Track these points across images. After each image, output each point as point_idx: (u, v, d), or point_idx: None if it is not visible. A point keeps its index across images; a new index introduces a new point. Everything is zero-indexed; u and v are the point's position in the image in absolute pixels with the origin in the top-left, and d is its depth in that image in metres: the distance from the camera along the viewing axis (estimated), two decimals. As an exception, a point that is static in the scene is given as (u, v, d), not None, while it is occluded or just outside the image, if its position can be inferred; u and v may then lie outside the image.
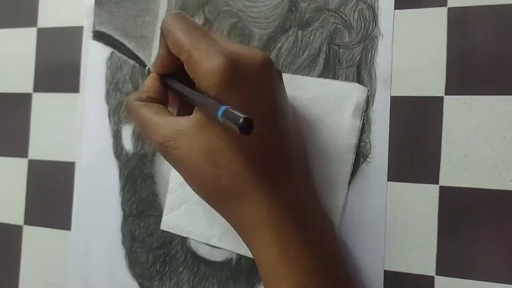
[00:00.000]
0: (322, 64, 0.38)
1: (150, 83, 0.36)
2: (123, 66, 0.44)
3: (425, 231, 0.34)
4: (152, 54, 0.43)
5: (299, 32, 0.38)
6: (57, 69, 0.46)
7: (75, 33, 0.46)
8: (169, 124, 0.32)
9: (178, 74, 0.35)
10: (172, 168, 0.41)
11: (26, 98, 0.48)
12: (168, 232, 0.41)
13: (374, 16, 0.36)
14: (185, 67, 0.32)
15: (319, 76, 0.38)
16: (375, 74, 0.36)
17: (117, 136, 0.44)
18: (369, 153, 0.36)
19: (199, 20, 0.41)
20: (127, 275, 0.42)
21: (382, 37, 0.36)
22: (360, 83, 0.36)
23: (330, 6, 0.38)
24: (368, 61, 0.36)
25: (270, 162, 0.32)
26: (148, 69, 0.38)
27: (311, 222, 0.33)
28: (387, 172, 0.35)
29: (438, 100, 0.35)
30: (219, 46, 0.31)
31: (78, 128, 0.45)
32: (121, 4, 0.44)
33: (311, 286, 0.30)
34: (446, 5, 0.35)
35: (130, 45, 0.44)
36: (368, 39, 0.36)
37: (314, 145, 0.37)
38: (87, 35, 0.45)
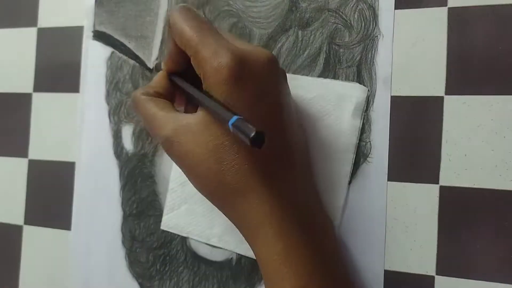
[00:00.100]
0: (322, 64, 0.38)
1: (158, 80, 0.36)
2: (123, 66, 0.44)
3: (425, 231, 0.34)
4: (152, 54, 0.43)
5: (299, 32, 0.38)
6: (57, 69, 0.46)
7: (75, 33, 0.46)
8: (175, 119, 0.32)
9: (187, 71, 0.35)
10: (173, 168, 0.41)
11: (26, 98, 0.48)
12: (168, 232, 0.41)
13: (375, 16, 0.36)
14: (191, 62, 0.32)
15: (319, 76, 0.38)
16: (375, 74, 0.36)
17: (117, 136, 0.44)
18: (369, 153, 0.36)
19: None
20: (127, 275, 0.42)
21: (382, 37, 0.36)
22: (360, 83, 0.36)
23: (330, 6, 0.38)
24: (368, 61, 0.36)
25: (274, 160, 0.32)
26: (156, 65, 0.38)
27: (312, 222, 0.33)
28: (387, 172, 0.35)
29: (438, 100, 0.35)
30: (227, 43, 0.31)
31: (78, 128, 0.45)
32: (121, 4, 0.44)
33: (312, 286, 0.30)
34: (446, 5, 0.35)
35: (130, 45, 0.44)
36: (368, 39, 0.36)
37: (314, 144, 0.37)
38: (87, 35, 0.45)
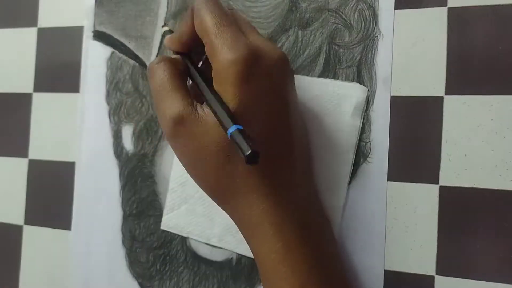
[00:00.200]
0: (322, 64, 0.38)
1: (174, 46, 0.35)
2: (123, 66, 0.44)
3: (425, 231, 0.34)
4: (152, 54, 0.43)
5: (299, 32, 0.38)
6: (57, 69, 0.46)
7: (75, 33, 0.46)
8: (185, 104, 0.31)
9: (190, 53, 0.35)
10: (173, 168, 0.41)
11: (26, 98, 0.48)
12: (168, 232, 0.41)
13: (374, 16, 0.36)
14: (206, 50, 0.32)
15: (319, 76, 0.38)
16: (375, 74, 0.36)
17: (117, 136, 0.44)
18: (369, 153, 0.36)
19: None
20: (127, 275, 0.42)
21: (382, 37, 0.36)
22: (360, 83, 0.36)
23: (330, 6, 0.38)
24: (368, 61, 0.36)
25: (276, 159, 0.32)
26: (165, 32, 0.38)
27: (311, 222, 0.33)
28: (387, 172, 0.35)
29: (438, 100, 0.35)
30: (242, 38, 0.31)
31: (78, 128, 0.45)
32: (121, 4, 0.44)
33: (309, 286, 0.30)
34: (446, 5, 0.35)
35: (130, 45, 0.44)
36: (368, 39, 0.36)
37: (314, 144, 0.37)
38: (87, 35, 0.45)
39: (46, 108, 0.47)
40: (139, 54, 0.44)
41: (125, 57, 0.44)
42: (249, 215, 0.31)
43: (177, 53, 0.35)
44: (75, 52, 0.46)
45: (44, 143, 0.47)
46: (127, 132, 0.43)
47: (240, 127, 0.28)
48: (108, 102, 0.44)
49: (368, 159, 0.36)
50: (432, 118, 0.35)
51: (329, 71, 0.37)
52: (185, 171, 0.40)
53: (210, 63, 0.32)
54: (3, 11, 0.49)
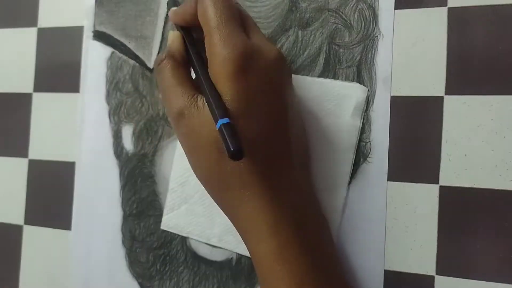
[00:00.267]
0: (322, 64, 0.38)
1: (176, 43, 0.35)
2: (123, 66, 0.44)
3: (425, 231, 0.34)
4: (152, 54, 0.43)
5: (299, 32, 0.38)
6: (57, 69, 0.46)
7: (75, 33, 0.46)
8: (188, 95, 0.32)
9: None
10: (173, 168, 0.41)
11: (26, 98, 0.48)
12: (168, 232, 0.41)
13: (374, 16, 0.36)
14: (204, 40, 0.32)
15: (319, 76, 0.38)
16: (375, 74, 0.36)
17: (117, 136, 0.44)
18: (369, 153, 0.36)
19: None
20: (127, 275, 0.42)
21: (382, 37, 0.36)
22: (360, 83, 0.36)
23: (330, 6, 0.38)
24: (368, 61, 0.36)
25: (273, 159, 0.32)
26: (169, 1, 0.38)
27: (308, 221, 0.33)
28: (387, 172, 0.35)
29: (438, 100, 0.35)
30: (240, 35, 0.31)
31: (78, 128, 0.45)
32: (121, 4, 0.44)
33: (306, 285, 0.30)
34: (446, 5, 0.35)
35: (130, 45, 0.44)
36: (368, 39, 0.36)
37: (314, 144, 0.37)
38: (87, 35, 0.45)
39: (46, 108, 0.47)
40: (139, 54, 0.44)
41: (125, 57, 0.44)
42: (243, 213, 0.31)
43: (178, 26, 0.36)
44: (75, 52, 0.46)
45: (44, 143, 0.47)
46: (127, 132, 0.43)
47: (227, 121, 0.28)
48: (108, 102, 0.44)
49: (368, 159, 0.36)
50: (432, 118, 0.35)
51: (329, 71, 0.37)
52: (185, 171, 0.40)
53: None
54: (3, 11, 0.49)
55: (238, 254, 0.39)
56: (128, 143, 0.43)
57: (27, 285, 0.47)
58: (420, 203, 0.35)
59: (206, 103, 0.31)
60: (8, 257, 0.47)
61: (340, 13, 0.37)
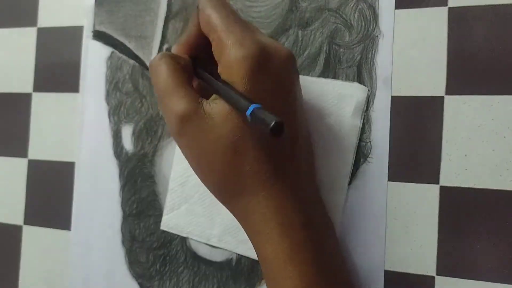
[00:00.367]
0: (322, 64, 0.38)
1: (179, 49, 0.35)
2: (123, 65, 0.44)
3: (425, 231, 0.34)
4: (152, 54, 0.43)
5: (299, 32, 0.38)
6: (57, 69, 0.46)
7: (75, 33, 0.46)
8: (194, 100, 0.31)
9: (201, 58, 0.34)
10: (173, 168, 0.41)
11: (26, 98, 0.48)
12: (168, 232, 0.41)
13: (375, 16, 0.36)
14: (212, 48, 0.32)
15: (320, 76, 0.38)
16: (375, 74, 0.36)
17: (117, 136, 0.44)
18: (369, 153, 0.36)
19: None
20: (127, 275, 0.42)
21: (383, 36, 0.36)
22: (360, 83, 0.36)
23: (331, 6, 0.37)
24: (368, 60, 0.36)
25: (283, 158, 0.31)
26: (166, 49, 0.38)
27: (316, 221, 0.33)
28: (387, 172, 0.35)
29: (439, 100, 0.35)
30: (252, 33, 0.31)
31: (78, 128, 0.45)
32: (121, 4, 0.44)
33: (315, 286, 0.30)
34: (446, 5, 0.35)
35: (130, 45, 0.44)
36: (368, 39, 0.36)
37: (314, 144, 0.37)
38: (87, 35, 0.45)
39: (45, 108, 0.47)
40: (139, 54, 0.44)
41: (125, 57, 0.44)
42: (255, 214, 0.31)
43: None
44: (75, 52, 0.46)
45: (43, 143, 0.47)
46: (127, 132, 0.43)
47: (259, 105, 0.27)
48: (108, 102, 0.44)
49: (368, 159, 0.36)
50: (432, 118, 0.35)
51: (329, 71, 0.37)
52: (185, 171, 0.40)
53: (211, 64, 0.32)
54: (3, 11, 0.49)
55: (238, 254, 0.39)
56: (128, 143, 0.43)
57: (27, 285, 0.47)
58: (420, 203, 0.35)
59: (213, 107, 0.30)
60: (7, 257, 0.47)
61: (340, 13, 0.37)
